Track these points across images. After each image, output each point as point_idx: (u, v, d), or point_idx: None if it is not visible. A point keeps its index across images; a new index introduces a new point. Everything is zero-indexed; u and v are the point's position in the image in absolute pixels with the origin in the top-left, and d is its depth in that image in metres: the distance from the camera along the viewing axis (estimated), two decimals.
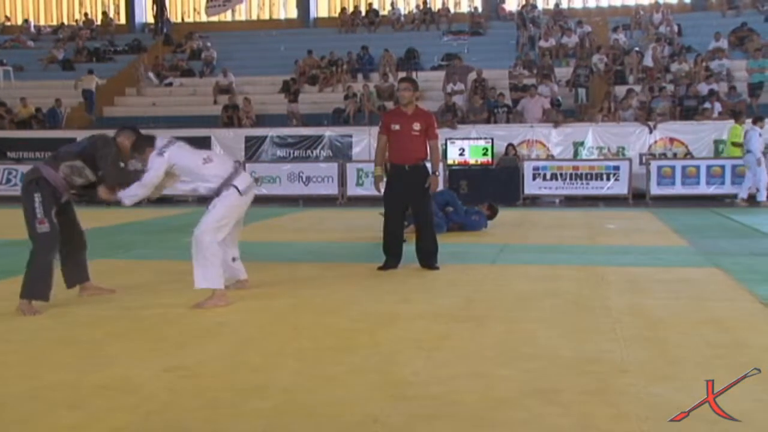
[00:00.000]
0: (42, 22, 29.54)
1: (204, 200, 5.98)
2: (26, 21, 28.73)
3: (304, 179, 16.74)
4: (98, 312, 5.62)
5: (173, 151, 5.77)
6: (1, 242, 9.85)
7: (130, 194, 5.73)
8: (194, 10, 29.43)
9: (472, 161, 16.13)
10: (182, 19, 29.15)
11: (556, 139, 16.87)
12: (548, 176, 15.65)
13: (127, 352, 4.53)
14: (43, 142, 18.70)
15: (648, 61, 19.59)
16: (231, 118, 19.10)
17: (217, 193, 5.79)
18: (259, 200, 16.59)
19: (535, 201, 15.75)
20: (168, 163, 5.72)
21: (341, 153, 17.60)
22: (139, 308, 5.75)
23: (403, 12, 26.88)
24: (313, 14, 27.84)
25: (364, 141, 17.35)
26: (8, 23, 28.61)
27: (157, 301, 6.00)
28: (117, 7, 29.59)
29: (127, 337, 4.89)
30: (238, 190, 5.82)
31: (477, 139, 16.51)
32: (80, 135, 18.20)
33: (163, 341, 4.79)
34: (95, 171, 5.79)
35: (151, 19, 27.39)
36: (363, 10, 26.88)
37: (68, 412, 3.50)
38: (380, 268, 7.41)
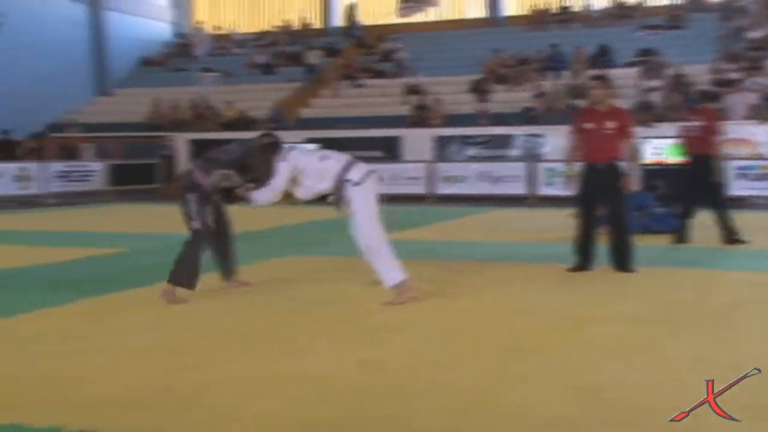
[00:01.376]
0: (246, 30, 31.32)
1: (324, 201, 6.10)
2: (232, 29, 30.58)
3: (492, 179, 16.66)
4: (290, 306, 5.84)
5: (294, 155, 6.04)
6: None
7: (260, 198, 6.05)
8: (386, 12, 30.06)
9: (669, 161, 15.37)
10: (374, 22, 29.91)
11: (766, 137, 15.75)
12: (756, 176, 14.65)
13: (319, 344, 4.68)
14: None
15: None
16: (420, 118, 19.35)
17: (337, 191, 5.87)
18: (447, 200, 16.81)
19: (739, 202, 14.75)
20: (291, 167, 5.95)
21: (531, 152, 17.35)
22: (330, 303, 5.94)
23: (595, 7, 26.10)
24: (502, 12, 27.64)
25: (555, 140, 17.00)
26: (216, 32, 30.56)
27: (347, 296, 6.17)
28: (314, 12, 30.81)
29: (318, 331, 5.06)
30: (354, 182, 5.84)
31: (676, 137, 15.68)
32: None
33: (353, 335, 4.92)
34: (243, 176, 6.19)
35: (344, 23, 28.30)
36: (554, 6, 26.38)
37: (263, 401, 3.65)
38: (571, 270, 7.23)
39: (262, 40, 29.06)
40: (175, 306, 5.77)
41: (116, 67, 27.80)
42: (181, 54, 29.24)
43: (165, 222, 13.17)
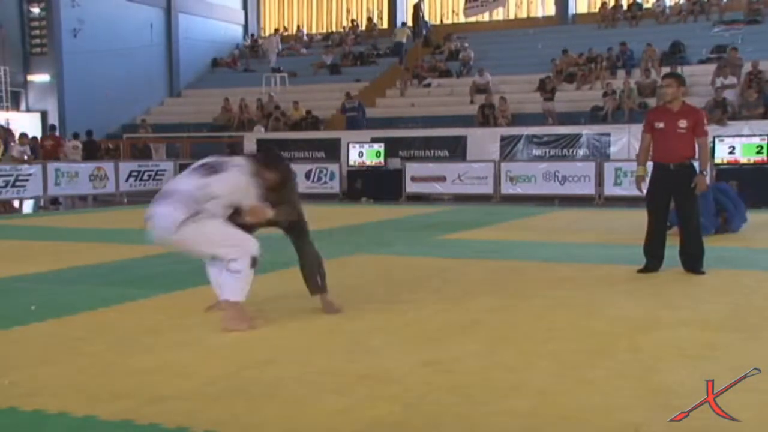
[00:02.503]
0: (313, 31, 31.65)
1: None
2: (299, 30, 30.92)
3: (559, 178, 16.47)
4: (361, 306, 5.89)
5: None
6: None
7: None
8: (453, 12, 30.00)
9: (743, 160, 14.97)
10: (441, 21, 29.88)
11: None
12: None
13: (388, 344, 4.70)
14: (310, 143, 20.05)
15: None
16: (487, 117, 19.25)
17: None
18: (513, 199, 16.68)
19: None
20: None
21: (599, 152, 17.09)
22: (398, 303, 5.96)
23: (668, 4, 25.56)
24: (571, 11, 27.30)
25: (623, 139, 16.72)
26: (284, 33, 30.95)
27: (413, 297, 6.18)
28: (381, 12, 30.93)
29: (387, 330, 5.08)
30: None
31: (750, 136, 15.29)
32: (341, 136, 19.38)
33: (421, 336, 4.92)
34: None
35: (411, 23, 28.36)
36: (624, 4, 25.94)
37: (334, 397, 3.69)
38: (640, 271, 7.11)
39: (329, 40, 29.33)
40: (249, 303, 5.86)
41: (188, 69, 28.42)
42: (251, 55, 29.71)
43: None
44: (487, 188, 17.17)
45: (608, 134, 17.18)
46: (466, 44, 24.98)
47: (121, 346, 4.64)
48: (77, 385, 3.87)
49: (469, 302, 5.93)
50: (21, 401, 3.59)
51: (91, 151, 20.14)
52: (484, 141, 18.21)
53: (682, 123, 6.98)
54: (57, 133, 20.39)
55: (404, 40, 25.67)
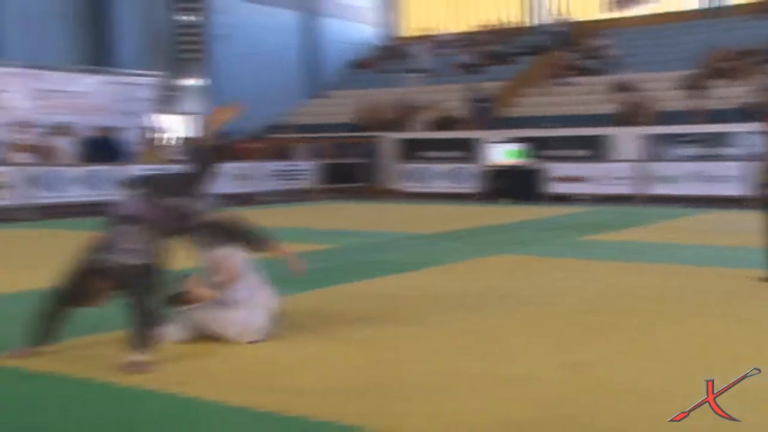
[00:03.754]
0: (452, 30, 31.66)
1: None
2: (438, 30, 31.02)
3: (706, 179, 15.80)
4: (495, 305, 5.89)
5: None
6: (414, 235, 10.82)
7: None
8: (595, 8, 29.26)
9: None
10: (582, 17, 29.21)
11: None
12: None
13: (525, 345, 4.69)
14: (447, 143, 20.10)
15: None
16: (629, 115, 18.69)
17: None
18: (656, 200, 16.10)
19: None
20: None
21: (750, 151, 16.23)
22: (536, 304, 5.92)
23: None
24: (723, 2, 26.05)
25: None
26: (423, 33, 31.14)
27: (551, 298, 6.12)
28: (520, 10, 30.59)
29: (524, 331, 5.07)
30: None
31: None
32: (479, 136, 19.33)
33: (559, 337, 4.88)
34: None
35: (551, 20, 27.89)
36: None
37: (470, 397, 3.73)
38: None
39: (467, 39, 29.29)
40: (390, 301, 5.99)
41: (328, 70, 29.13)
42: (389, 56, 30.08)
43: (371, 220, 13.68)
44: (629, 189, 16.69)
45: (761, 132, 16.28)
46: (609, 41, 24.31)
47: (272, 341, 4.84)
48: (233, 377, 4.09)
49: (610, 304, 5.82)
50: (183, 388, 3.83)
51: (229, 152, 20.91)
52: (626, 140, 17.69)
53: None
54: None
55: (550, 32, 25.40)
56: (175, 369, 4.20)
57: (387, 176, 20.75)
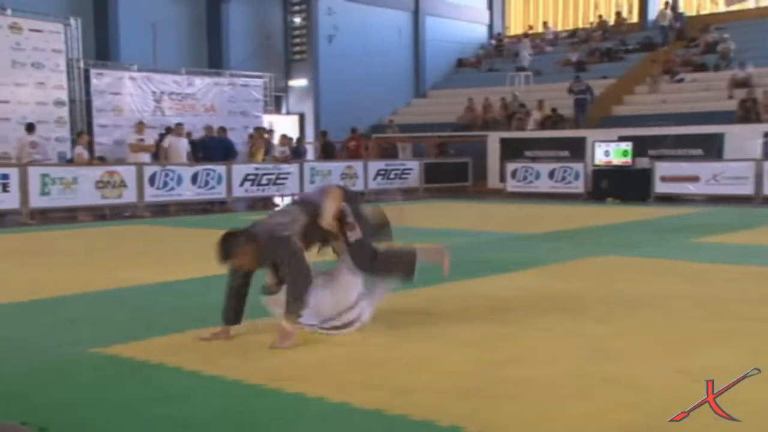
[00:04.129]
0: (559, 28, 31.13)
1: None
2: (546, 27, 30.55)
3: None
4: (606, 308, 5.72)
5: None
6: (520, 236, 10.67)
7: None
8: (711, 1, 28.19)
9: None
10: (698, 12, 28.16)
11: None
12: None
13: (633, 349, 4.54)
14: (554, 142, 19.74)
15: None
16: (748, 112, 17.89)
17: None
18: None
19: None
20: None
21: None
22: (645, 307, 5.72)
23: None
24: None
25: None
26: (530, 31, 30.74)
27: (661, 301, 5.90)
28: (630, 6, 29.78)
29: (633, 335, 4.90)
30: None
31: None
32: (586, 135, 18.92)
33: (669, 341, 4.70)
34: None
35: (663, 15, 27.01)
36: None
37: (577, 401, 3.62)
38: None
39: (575, 37, 28.73)
40: (494, 302, 5.92)
41: (433, 69, 29.11)
42: (495, 55, 29.83)
43: (476, 219, 13.58)
44: (748, 189, 15.99)
45: None
46: (726, 35, 23.34)
47: (367, 338, 4.86)
48: (333, 374, 4.12)
49: (728, 309, 5.57)
50: (285, 384, 3.89)
51: (329, 152, 21.16)
52: (745, 138, 16.94)
53: None
54: (358, 134, 21.67)
55: (666, 23, 24.66)
56: (271, 364, 4.27)
57: (492, 176, 20.57)
